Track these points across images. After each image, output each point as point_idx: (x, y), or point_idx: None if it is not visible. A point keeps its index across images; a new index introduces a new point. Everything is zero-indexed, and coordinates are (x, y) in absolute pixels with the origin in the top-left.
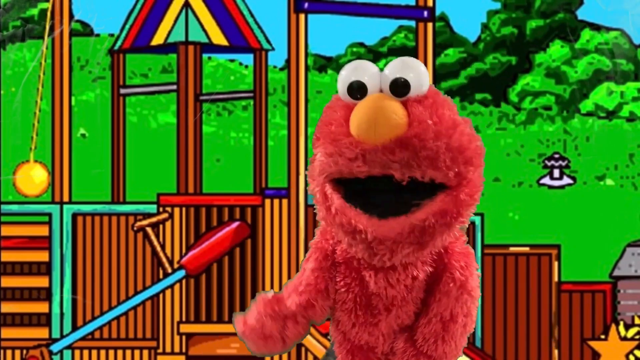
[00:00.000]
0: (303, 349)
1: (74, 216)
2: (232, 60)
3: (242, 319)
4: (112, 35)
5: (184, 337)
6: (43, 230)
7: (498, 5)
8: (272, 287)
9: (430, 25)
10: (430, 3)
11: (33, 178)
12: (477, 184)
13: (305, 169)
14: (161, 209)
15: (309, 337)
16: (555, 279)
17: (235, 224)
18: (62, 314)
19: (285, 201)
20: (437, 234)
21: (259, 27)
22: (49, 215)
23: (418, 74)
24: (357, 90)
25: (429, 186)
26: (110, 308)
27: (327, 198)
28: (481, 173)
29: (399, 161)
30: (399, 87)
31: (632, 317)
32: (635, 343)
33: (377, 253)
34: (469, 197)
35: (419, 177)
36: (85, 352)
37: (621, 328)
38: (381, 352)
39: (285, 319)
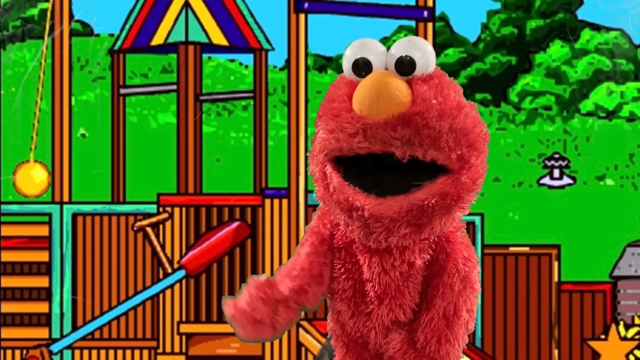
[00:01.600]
0: (303, 349)
1: (74, 216)
2: (232, 60)
3: (232, 303)
4: (112, 35)
5: (184, 337)
6: (43, 230)
7: (498, 5)
8: None
9: (430, 25)
10: (430, 3)
11: (33, 178)
12: (480, 169)
13: (306, 169)
14: (161, 209)
15: (308, 337)
16: (555, 279)
17: (235, 224)
18: (62, 314)
19: (285, 201)
20: (436, 216)
21: (259, 27)
22: (49, 215)
23: (425, 53)
24: (363, 67)
25: (430, 168)
26: (110, 308)
27: (327, 177)
28: (485, 159)
29: (400, 138)
30: (405, 66)
31: (632, 317)
32: (635, 343)
33: (373, 232)
34: (470, 181)
35: (420, 156)
36: (85, 352)
37: (621, 328)
38: (374, 349)
39: (277, 304)
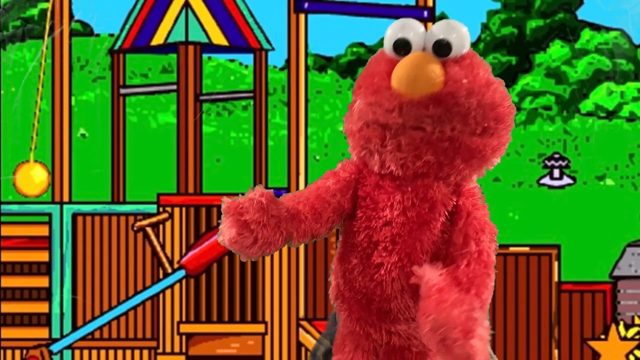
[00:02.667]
0: (303, 349)
1: (74, 216)
2: (232, 60)
3: (230, 199)
4: (112, 35)
5: (184, 337)
6: (43, 230)
7: (498, 5)
8: (272, 288)
9: (430, 25)
10: (430, 3)
11: (33, 178)
12: (504, 138)
13: (306, 169)
14: (161, 209)
15: (308, 337)
16: (555, 279)
17: None
18: (62, 314)
19: None
20: (459, 156)
21: (259, 27)
22: (49, 215)
23: (461, 36)
24: (402, 46)
25: None
26: (110, 308)
27: (363, 130)
28: (510, 131)
29: (431, 116)
30: (442, 48)
31: (632, 317)
32: (635, 343)
33: (403, 154)
34: (496, 141)
35: (448, 131)
36: (85, 352)
37: (621, 328)
38: (377, 308)
39: (269, 217)
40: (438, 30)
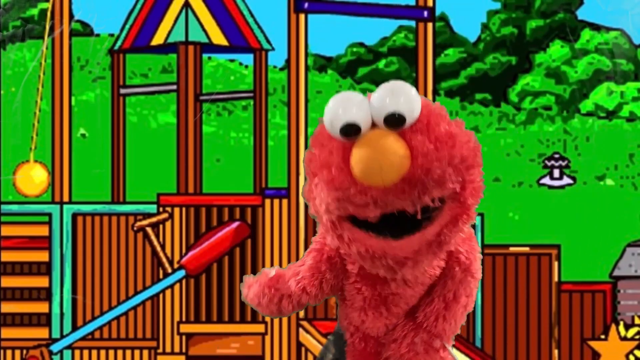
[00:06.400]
0: (303, 349)
1: (74, 216)
2: (232, 60)
3: (247, 286)
4: (112, 35)
5: (184, 337)
6: (43, 230)
7: (498, 5)
8: None
9: (430, 25)
10: (430, 3)
11: (33, 178)
12: (479, 183)
13: None
14: (161, 209)
15: (309, 337)
16: (555, 279)
17: (235, 224)
18: (62, 314)
19: (285, 201)
20: (451, 239)
21: (259, 27)
22: (49, 215)
23: (409, 100)
24: (350, 128)
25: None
26: (110, 308)
27: (337, 226)
28: (481, 170)
29: (409, 197)
30: (395, 122)
31: (632, 317)
32: (635, 343)
33: (398, 272)
34: (474, 198)
35: (429, 203)
36: (85, 352)
37: (621, 328)
38: (393, 340)
39: (281, 298)
40: (384, 100)
